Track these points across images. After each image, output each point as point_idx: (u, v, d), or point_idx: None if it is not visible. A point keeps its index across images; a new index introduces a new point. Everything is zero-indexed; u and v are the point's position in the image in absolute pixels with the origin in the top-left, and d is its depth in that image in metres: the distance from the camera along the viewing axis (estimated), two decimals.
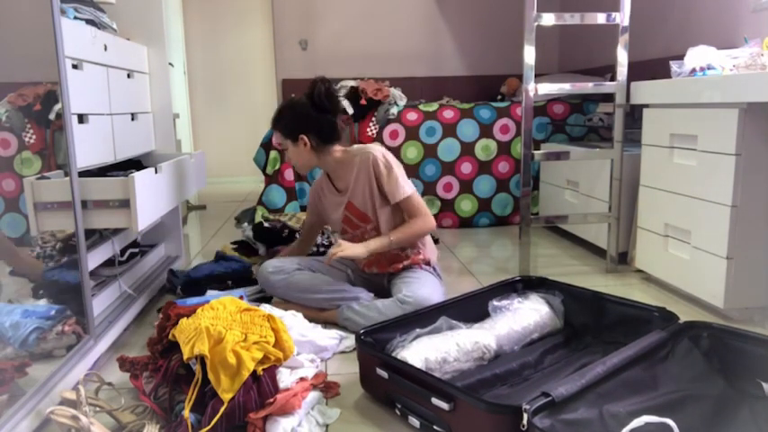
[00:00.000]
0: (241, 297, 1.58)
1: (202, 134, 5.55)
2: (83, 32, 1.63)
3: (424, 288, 1.79)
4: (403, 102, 3.35)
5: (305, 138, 1.86)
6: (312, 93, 1.84)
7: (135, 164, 2.08)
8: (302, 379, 1.32)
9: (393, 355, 1.37)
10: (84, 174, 1.58)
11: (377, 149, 1.89)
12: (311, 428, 1.24)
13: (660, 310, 1.50)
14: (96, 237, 1.84)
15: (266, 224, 2.73)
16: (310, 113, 1.85)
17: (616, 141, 2.31)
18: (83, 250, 1.49)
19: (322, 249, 2.56)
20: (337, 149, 1.93)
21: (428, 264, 1.95)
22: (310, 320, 1.70)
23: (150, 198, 1.68)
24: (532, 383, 1.39)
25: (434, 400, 1.18)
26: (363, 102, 3.23)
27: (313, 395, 1.32)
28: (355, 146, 1.97)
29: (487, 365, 1.45)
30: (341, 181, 1.96)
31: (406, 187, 1.86)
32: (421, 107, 3.32)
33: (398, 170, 1.87)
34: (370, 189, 1.87)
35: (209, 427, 1.13)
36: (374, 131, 3.22)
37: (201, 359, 1.21)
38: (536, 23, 2.19)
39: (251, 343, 1.25)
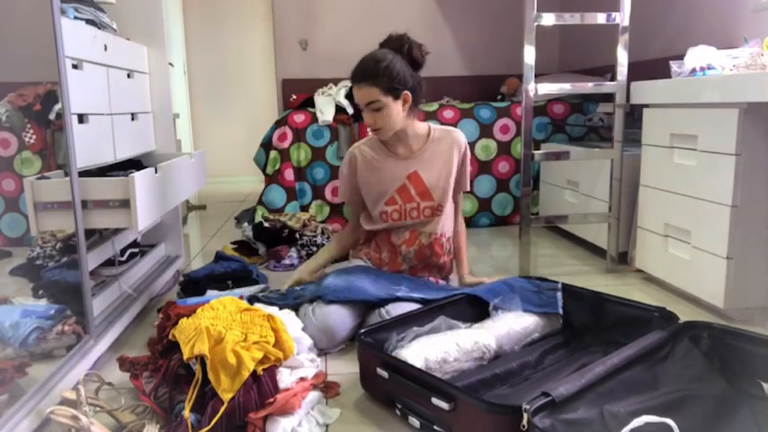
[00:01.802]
0: (241, 297, 1.58)
1: (202, 134, 5.55)
2: (83, 32, 1.63)
3: None
4: None
5: (408, 94, 1.76)
6: (404, 48, 1.75)
7: (135, 164, 2.07)
8: (302, 379, 1.32)
9: (392, 354, 1.37)
10: (84, 174, 1.58)
11: (462, 134, 1.91)
12: (311, 428, 1.24)
13: (660, 310, 1.50)
14: (96, 237, 1.84)
15: (266, 224, 2.73)
16: (408, 69, 1.76)
17: (616, 141, 2.31)
18: (83, 250, 1.49)
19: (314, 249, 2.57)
20: (419, 115, 1.89)
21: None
22: None
23: (150, 198, 1.68)
24: (532, 383, 1.39)
25: (434, 400, 1.18)
26: None
27: (313, 395, 1.32)
28: (440, 127, 1.94)
29: (487, 365, 1.45)
30: (405, 148, 1.87)
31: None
32: (421, 107, 3.32)
33: None
34: (448, 169, 1.87)
35: (209, 427, 1.13)
36: None
37: (201, 359, 1.21)
38: (536, 23, 2.19)
39: (251, 343, 1.25)
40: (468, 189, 2.00)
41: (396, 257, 1.91)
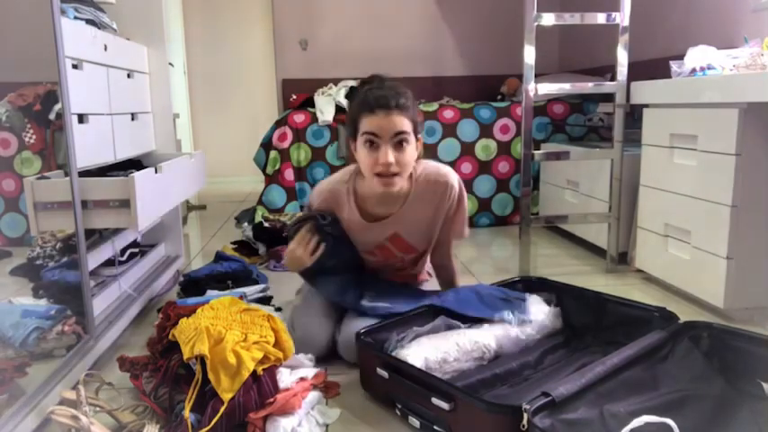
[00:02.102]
0: (241, 297, 1.59)
1: (202, 134, 5.55)
2: (83, 32, 1.63)
3: None
4: None
5: (421, 139, 1.56)
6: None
7: (135, 164, 2.07)
8: (302, 379, 1.32)
9: (392, 354, 1.37)
10: (84, 174, 1.58)
11: (453, 175, 1.62)
12: (311, 428, 1.24)
13: (660, 310, 1.50)
14: (96, 237, 1.84)
15: (266, 224, 2.73)
16: None
17: (616, 141, 2.31)
18: (83, 250, 1.49)
19: None
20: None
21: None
22: None
23: (150, 198, 1.68)
24: (532, 383, 1.39)
25: (434, 400, 1.18)
26: None
27: (313, 395, 1.32)
28: (423, 167, 1.61)
29: (487, 365, 1.45)
30: (384, 209, 1.60)
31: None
32: (421, 107, 3.32)
33: None
34: (433, 219, 1.63)
35: (209, 427, 1.13)
36: None
37: (201, 359, 1.21)
38: (536, 23, 2.19)
39: (251, 343, 1.25)
40: (465, 236, 1.70)
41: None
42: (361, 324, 1.50)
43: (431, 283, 1.87)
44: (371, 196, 1.59)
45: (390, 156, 1.43)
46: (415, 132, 1.49)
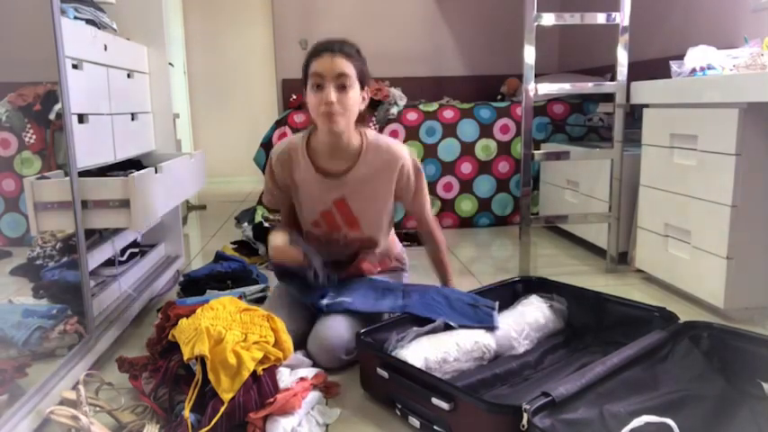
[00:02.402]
0: (241, 297, 1.58)
1: (202, 134, 5.55)
2: (83, 32, 1.63)
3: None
4: (403, 102, 3.35)
5: (368, 93, 1.62)
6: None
7: (135, 164, 2.08)
8: (302, 379, 1.32)
9: (392, 354, 1.37)
10: (84, 174, 1.58)
11: (406, 152, 1.66)
12: (311, 428, 1.24)
13: (660, 310, 1.50)
14: (96, 237, 1.84)
15: (266, 224, 2.73)
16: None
17: (616, 141, 2.31)
18: (83, 250, 1.49)
19: None
20: (364, 129, 1.66)
21: (399, 260, 1.88)
22: None
23: (150, 198, 1.68)
24: (532, 383, 1.39)
25: (434, 400, 1.18)
26: None
27: (313, 395, 1.32)
28: (376, 136, 1.68)
29: (487, 365, 1.45)
30: (336, 163, 1.64)
31: (427, 193, 1.70)
32: (421, 107, 3.32)
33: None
34: (383, 199, 1.67)
35: (209, 427, 1.13)
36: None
37: (202, 359, 1.21)
38: (536, 23, 2.19)
39: (251, 343, 1.25)
40: (428, 209, 1.74)
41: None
42: (331, 331, 1.52)
43: (424, 277, 1.87)
44: (323, 147, 1.64)
45: (333, 95, 1.51)
46: (362, 82, 1.57)
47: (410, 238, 2.84)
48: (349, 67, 1.53)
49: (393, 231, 1.89)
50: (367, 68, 1.60)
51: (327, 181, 1.64)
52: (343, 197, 1.65)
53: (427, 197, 1.75)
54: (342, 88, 1.52)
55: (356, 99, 1.56)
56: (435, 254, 1.85)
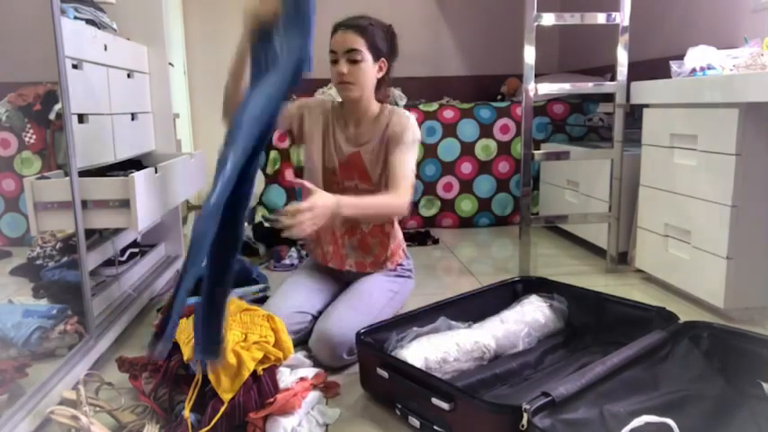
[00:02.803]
0: (241, 297, 1.58)
1: (202, 134, 5.55)
2: (83, 32, 1.63)
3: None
4: (403, 102, 3.35)
5: (385, 63, 1.73)
6: (388, 32, 1.75)
7: (135, 164, 2.08)
8: (302, 379, 1.32)
9: (392, 354, 1.37)
10: (85, 174, 1.58)
11: (414, 123, 1.74)
12: (311, 428, 1.24)
13: (660, 310, 1.50)
14: (96, 237, 1.84)
15: (266, 224, 2.73)
16: (387, 46, 1.74)
17: (616, 141, 2.31)
18: (83, 250, 1.49)
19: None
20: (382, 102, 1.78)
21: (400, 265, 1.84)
22: None
23: (150, 198, 1.68)
24: (532, 383, 1.39)
25: (434, 400, 1.18)
26: None
27: (313, 395, 1.32)
28: (394, 107, 1.81)
29: (487, 365, 1.45)
30: (355, 127, 1.78)
31: (410, 162, 1.68)
32: (421, 107, 3.32)
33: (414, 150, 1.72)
34: (384, 152, 1.73)
35: (209, 426, 1.13)
36: None
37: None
38: (536, 23, 2.19)
39: (251, 343, 1.25)
40: (400, 176, 1.66)
41: (338, 249, 1.81)
42: (335, 328, 1.54)
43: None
44: (345, 111, 1.80)
45: (344, 67, 1.67)
46: (376, 55, 1.69)
47: (410, 238, 2.85)
48: (359, 42, 1.67)
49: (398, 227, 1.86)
50: (381, 38, 1.71)
51: (347, 137, 1.79)
52: (359, 152, 1.77)
53: (406, 166, 1.68)
54: (353, 62, 1.67)
55: (368, 70, 1.69)
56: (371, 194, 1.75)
